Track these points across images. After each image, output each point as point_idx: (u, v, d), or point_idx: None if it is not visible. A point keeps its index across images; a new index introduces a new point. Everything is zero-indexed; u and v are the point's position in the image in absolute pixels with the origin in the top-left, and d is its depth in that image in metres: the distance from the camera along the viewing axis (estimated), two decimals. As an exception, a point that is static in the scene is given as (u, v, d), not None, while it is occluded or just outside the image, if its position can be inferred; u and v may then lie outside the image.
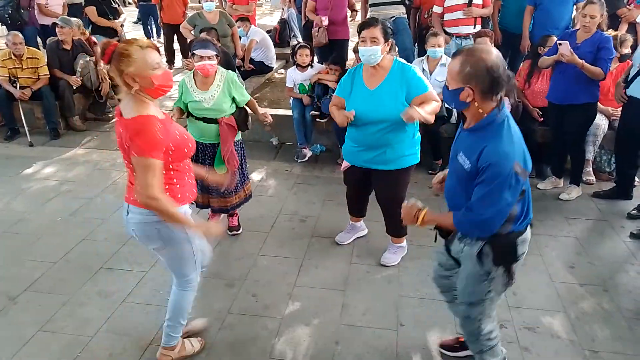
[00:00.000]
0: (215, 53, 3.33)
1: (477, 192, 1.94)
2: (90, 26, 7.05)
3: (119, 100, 2.16)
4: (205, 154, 3.54)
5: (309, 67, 5.25)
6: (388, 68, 3.04)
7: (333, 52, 5.65)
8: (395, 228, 3.45)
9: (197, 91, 3.43)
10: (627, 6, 5.73)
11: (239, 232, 3.87)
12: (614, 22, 5.50)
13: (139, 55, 2.01)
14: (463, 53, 1.92)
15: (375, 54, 2.96)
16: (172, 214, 2.13)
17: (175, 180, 2.24)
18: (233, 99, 3.49)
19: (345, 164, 3.40)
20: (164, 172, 2.14)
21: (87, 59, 6.13)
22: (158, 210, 2.10)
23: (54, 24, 6.20)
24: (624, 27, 5.62)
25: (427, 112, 2.89)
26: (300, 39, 8.02)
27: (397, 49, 5.77)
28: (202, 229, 2.29)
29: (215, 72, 3.41)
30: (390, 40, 3.02)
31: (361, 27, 3.02)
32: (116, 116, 2.18)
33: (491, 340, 2.32)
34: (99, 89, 6.26)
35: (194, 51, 3.33)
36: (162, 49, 8.43)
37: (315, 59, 6.67)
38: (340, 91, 3.22)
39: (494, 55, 1.88)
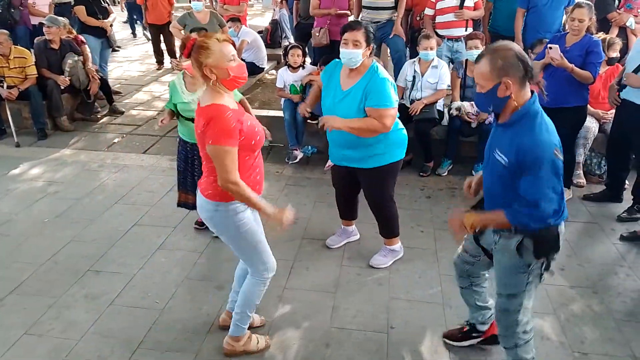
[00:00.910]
0: None
1: (525, 185, 1.98)
2: (79, 26, 6.98)
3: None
4: (195, 154, 3.51)
5: (301, 67, 5.24)
6: (364, 71, 3.03)
7: (333, 52, 5.63)
8: (385, 228, 3.45)
9: (186, 92, 3.42)
10: (617, 10, 5.76)
11: (203, 227, 3.83)
12: (604, 26, 5.53)
13: (217, 47, 2.14)
14: (487, 53, 1.99)
15: (356, 57, 2.95)
16: (250, 199, 2.22)
17: (252, 171, 2.30)
18: None
19: (329, 163, 3.41)
20: (242, 160, 2.23)
21: (76, 58, 6.07)
22: (237, 195, 2.20)
23: (41, 24, 6.14)
24: (614, 31, 5.65)
25: (351, 125, 2.91)
26: (291, 40, 8.01)
27: (389, 50, 5.81)
28: (278, 217, 2.29)
29: None
30: (372, 44, 3.00)
31: (344, 30, 3.01)
32: (197, 108, 2.29)
33: (527, 334, 2.34)
34: (88, 88, 6.19)
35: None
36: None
37: (308, 59, 6.66)
38: (322, 77, 3.27)
39: (515, 45, 2.01)
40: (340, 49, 2.99)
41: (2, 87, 5.64)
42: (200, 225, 3.86)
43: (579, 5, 3.99)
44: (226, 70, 2.15)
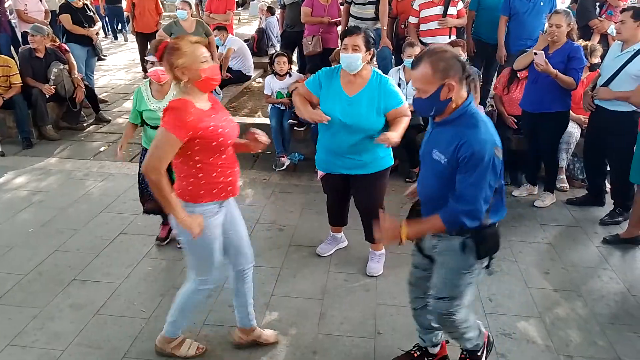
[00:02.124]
0: None
1: (462, 181, 1.99)
2: (65, 34, 6.94)
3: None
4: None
5: (287, 75, 5.26)
6: (367, 77, 3.06)
7: (323, 61, 5.66)
8: (374, 234, 3.46)
9: (152, 100, 3.37)
10: (599, 17, 5.88)
11: (164, 243, 3.79)
12: (586, 33, 5.63)
13: (189, 49, 2.17)
14: (426, 56, 1.96)
15: (356, 62, 2.97)
16: (165, 196, 2.16)
17: (200, 175, 2.27)
18: None
19: (320, 173, 3.40)
20: (190, 162, 2.24)
21: (61, 67, 6.03)
22: (153, 185, 2.14)
23: (26, 32, 6.10)
24: (596, 38, 5.76)
25: (400, 134, 2.96)
26: (277, 48, 8.04)
27: (375, 58, 5.86)
28: (186, 223, 2.23)
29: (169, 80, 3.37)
30: (372, 49, 3.04)
31: (344, 35, 3.06)
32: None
33: (468, 322, 2.33)
34: (73, 96, 6.16)
35: (146, 57, 3.31)
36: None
37: (295, 67, 6.69)
38: (312, 84, 3.18)
39: (449, 46, 2.07)
40: (340, 54, 3.03)
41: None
42: (162, 241, 3.79)
43: (555, 12, 4.11)
44: (198, 71, 2.17)
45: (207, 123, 2.21)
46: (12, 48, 7.20)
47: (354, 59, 2.96)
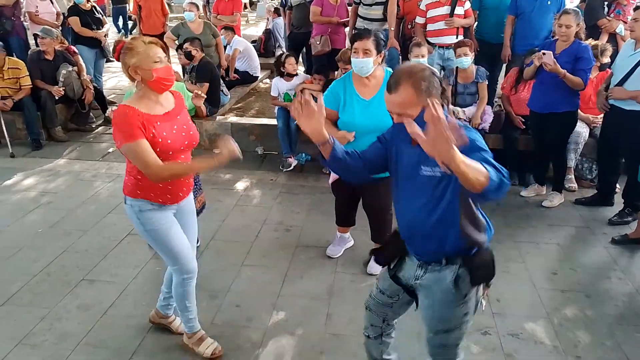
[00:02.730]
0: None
1: (481, 158, 1.69)
2: (73, 36, 6.99)
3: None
4: None
5: (295, 76, 5.28)
6: (381, 78, 3.04)
7: (330, 61, 5.66)
8: (381, 234, 3.45)
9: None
10: (607, 17, 5.83)
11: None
12: (594, 32, 5.59)
13: (142, 49, 2.19)
14: (405, 78, 1.77)
15: (367, 66, 2.96)
16: (188, 169, 2.34)
17: (139, 177, 2.31)
18: None
19: (333, 176, 3.39)
20: (131, 162, 2.26)
21: (70, 69, 6.08)
22: (175, 176, 2.29)
23: (36, 35, 6.15)
24: (604, 38, 5.72)
25: None
26: (284, 49, 8.05)
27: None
28: (224, 158, 2.30)
29: None
30: (382, 52, 3.03)
31: (354, 39, 3.04)
32: None
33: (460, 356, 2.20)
34: (82, 98, 6.20)
35: None
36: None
37: (302, 68, 6.70)
38: (330, 102, 3.10)
39: (419, 64, 1.91)
40: (352, 58, 3.01)
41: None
42: None
43: (565, 12, 4.06)
44: (150, 71, 2.18)
45: (147, 129, 2.19)
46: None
47: (365, 63, 2.95)
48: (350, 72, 3.12)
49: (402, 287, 2.12)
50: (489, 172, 1.59)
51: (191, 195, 2.59)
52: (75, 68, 6.18)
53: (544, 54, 3.97)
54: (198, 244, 3.66)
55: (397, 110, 1.81)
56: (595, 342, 2.84)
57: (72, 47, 6.53)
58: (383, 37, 3.15)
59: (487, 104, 4.91)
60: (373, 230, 3.48)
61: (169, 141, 2.25)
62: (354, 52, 2.99)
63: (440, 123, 1.45)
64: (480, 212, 1.97)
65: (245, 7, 15.74)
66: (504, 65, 5.80)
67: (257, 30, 11.42)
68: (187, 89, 5.65)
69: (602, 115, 4.47)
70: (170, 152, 2.27)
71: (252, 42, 8.92)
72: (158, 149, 2.22)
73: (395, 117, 1.83)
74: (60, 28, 7.38)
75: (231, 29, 7.30)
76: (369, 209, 3.41)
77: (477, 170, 1.56)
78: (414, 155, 1.85)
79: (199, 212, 3.68)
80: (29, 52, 6.34)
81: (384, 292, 2.19)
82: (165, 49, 2.28)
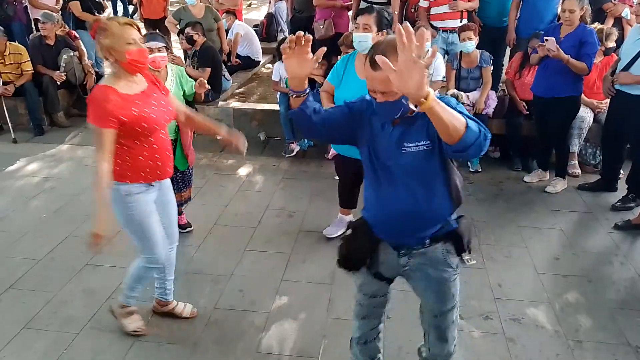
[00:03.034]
0: (164, 45, 3.27)
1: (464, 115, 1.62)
2: (74, 21, 6.95)
3: None
4: None
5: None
6: None
7: (333, 45, 5.61)
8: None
9: None
10: (613, 1, 5.76)
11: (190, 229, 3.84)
12: (600, 16, 5.53)
13: (116, 30, 2.19)
14: (390, 52, 1.54)
15: (365, 41, 2.95)
16: (99, 188, 2.19)
17: (127, 157, 2.33)
18: (183, 93, 3.47)
19: (332, 152, 3.40)
20: (117, 145, 2.27)
21: (71, 54, 6.06)
22: (97, 182, 2.21)
23: (36, 20, 6.11)
24: (609, 22, 5.65)
25: None
26: (287, 34, 7.99)
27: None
28: (99, 227, 2.20)
29: (166, 66, 3.36)
30: (384, 30, 3.01)
31: (358, 13, 3.08)
32: None
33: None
34: (84, 83, 6.19)
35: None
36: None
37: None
38: (332, 77, 3.26)
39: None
40: (353, 34, 3.04)
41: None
42: (182, 229, 3.75)
43: None
44: (123, 53, 2.19)
45: (129, 108, 2.24)
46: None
47: (364, 37, 2.95)
48: (355, 52, 3.14)
49: (386, 280, 2.06)
50: (467, 121, 1.51)
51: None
52: (77, 53, 6.15)
53: (546, 40, 3.94)
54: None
55: (382, 89, 1.65)
56: (596, 326, 2.86)
57: (73, 32, 6.48)
58: (387, 17, 3.11)
59: (492, 89, 4.88)
60: None
61: (153, 116, 2.31)
62: (355, 27, 3.04)
63: (410, 46, 1.32)
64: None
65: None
66: (508, 50, 5.75)
67: (259, 15, 11.32)
68: (189, 74, 5.67)
69: (606, 100, 4.45)
70: (156, 126, 2.33)
71: (254, 26, 8.84)
72: (145, 124, 2.27)
73: (379, 96, 1.68)
74: (61, 13, 7.33)
75: (232, 13, 7.25)
76: None
77: (452, 115, 1.48)
78: (396, 134, 1.77)
79: (179, 206, 3.65)
80: (30, 37, 6.30)
81: (375, 295, 2.08)
82: (140, 31, 2.29)
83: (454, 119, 1.48)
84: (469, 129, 1.51)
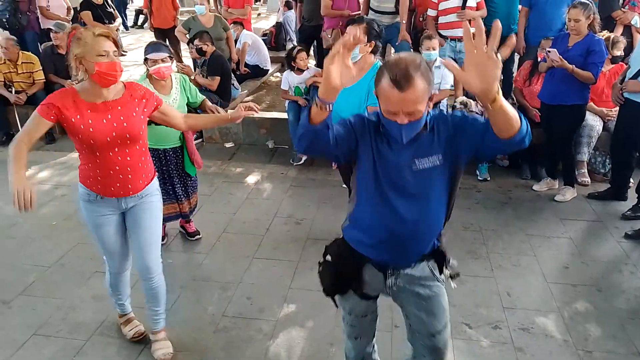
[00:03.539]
0: (168, 55, 3.30)
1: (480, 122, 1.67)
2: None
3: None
4: (169, 159, 3.47)
5: (305, 70, 5.27)
6: (368, 67, 3.03)
7: None
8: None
9: (160, 96, 3.38)
10: (622, 8, 5.76)
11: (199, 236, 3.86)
12: (609, 24, 5.52)
13: (88, 40, 2.14)
14: (414, 71, 1.55)
15: (353, 51, 2.94)
16: (10, 161, 2.12)
17: (80, 159, 2.37)
18: (187, 100, 3.50)
19: None
20: (80, 151, 2.30)
21: (83, 63, 6.13)
22: (8, 151, 2.16)
23: (49, 29, 6.21)
24: (619, 30, 5.65)
25: None
26: (295, 43, 8.04)
27: (392, 50, 5.83)
28: (13, 186, 2.04)
29: (170, 75, 3.38)
30: (373, 41, 2.99)
31: (347, 24, 3.05)
32: None
33: None
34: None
35: (147, 56, 3.28)
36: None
37: (312, 61, 6.68)
38: None
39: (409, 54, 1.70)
40: None
41: (11, 92, 5.72)
42: (191, 237, 3.85)
43: (573, 6, 4.03)
44: (92, 64, 2.14)
45: (73, 115, 2.19)
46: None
47: None
48: None
49: (373, 298, 2.01)
50: (520, 116, 1.54)
51: (151, 196, 2.49)
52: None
53: (549, 51, 3.96)
54: (164, 242, 3.68)
55: (411, 109, 1.58)
56: (606, 336, 2.83)
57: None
58: (376, 28, 3.10)
59: (505, 97, 4.88)
60: None
61: (90, 129, 2.21)
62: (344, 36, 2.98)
63: (482, 42, 1.35)
64: None
65: (257, 0, 15.73)
66: (517, 58, 5.75)
67: (268, 24, 11.41)
68: (198, 82, 5.72)
69: (616, 108, 4.43)
70: (92, 141, 2.22)
71: (263, 35, 8.92)
72: (80, 136, 2.22)
73: (403, 117, 1.59)
74: (72, 22, 7.44)
75: (240, 24, 7.31)
76: None
77: (513, 110, 1.50)
78: (406, 152, 1.71)
79: (190, 213, 3.71)
80: (42, 47, 6.39)
81: (366, 314, 2.04)
82: (117, 44, 2.23)
83: (514, 114, 1.51)
84: (522, 124, 1.54)
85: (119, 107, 2.28)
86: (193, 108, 3.56)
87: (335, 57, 1.47)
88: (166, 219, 3.50)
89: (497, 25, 1.36)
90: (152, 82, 3.36)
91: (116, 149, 2.28)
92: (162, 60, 3.25)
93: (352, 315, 2.04)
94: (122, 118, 2.27)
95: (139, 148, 2.36)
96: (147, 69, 3.35)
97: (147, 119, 2.44)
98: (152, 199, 2.50)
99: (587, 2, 3.99)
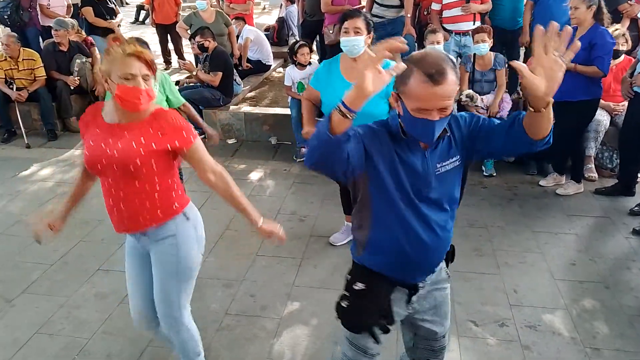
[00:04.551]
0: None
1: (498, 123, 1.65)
2: (86, 27, 7.01)
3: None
4: None
5: (308, 65, 5.24)
6: None
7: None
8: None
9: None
10: (629, 2, 5.68)
11: None
12: (615, 18, 5.45)
13: (117, 58, 1.91)
14: (447, 65, 1.51)
15: (358, 45, 2.89)
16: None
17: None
18: (167, 100, 3.45)
19: None
20: None
21: (84, 60, 6.11)
22: None
23: (50, 27, 6.18)
24: (625, 23, 5.57)
25: None
26: (298, 37, 8.00)
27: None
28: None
29: None
30: (372, 33, 2.95)
31: (343, 18, 2.96)
32: None
33: None
34: (94, 89, 6.23)
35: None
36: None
37: (315, 57, 6.64)
38: (315, 82, 3.17)
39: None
40: (341, 39, 2.93)
41: (12, 89, 5.70)
42: None
43: None
44: (114, 85, 1.91)
45: (85, 132, 2.08)
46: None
47: (357, 41, 2.88)
48: (339, 55, 3.06)
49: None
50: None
51: (164, 244, 2.12)
52: (90, 59, 6.20)
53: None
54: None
55: (445, 104, 1.50)
56: (614, 333, 2.79)
57: (90, 38, 6.55)
58: (371, 20, 3.05)
59: (507, 91, 4.83)
60: None
61: (86, 152, 2.03)
62: (344, 31, 2.91)
63: (551, 45, 1.37)
64: None
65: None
66: (522, 52, 5.70)
67: (271, 19, 11.35)
68: (200, 78, 5.70)
69: (624, 103, 4.38)
70: (86, 164, 2.08)
71: (265, 30, 8.87)
72: (82, 159, 2.12)
73: (435, 113, 1.51)
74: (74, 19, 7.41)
75: (242, 19, 7.27)
76: None
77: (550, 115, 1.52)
78: (430, 156, 1.64)
79: None
80: (44, 44, 6.36)
81: (378, 354, 1.91)
82: (150, 66, 1.95)
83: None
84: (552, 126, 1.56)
85: (125, 132, 1.98)
86: (177, 109, 3.52)
87: (372, 62, 1.34)
88: None
89: (568, 30, 1.35)
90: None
91: (110, 180, 2.02)
92: None
93: (354, 350, 1.88)
94: (119, 145, 1.96)
95: (139, 186, 2.00)
96: None
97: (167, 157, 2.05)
98: (165, 247, 2.11)
99: None
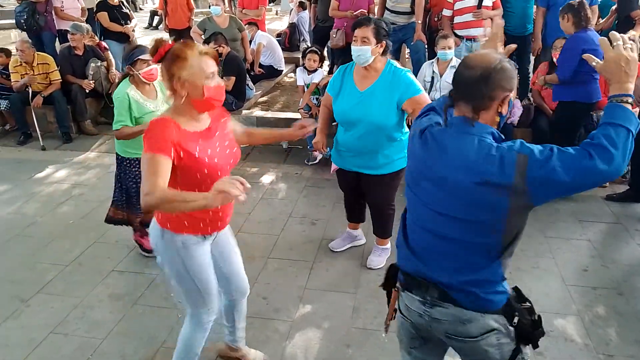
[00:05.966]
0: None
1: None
2: (101, 31, 7.10)
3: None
4: (126, 170, 3.45)
5: (315, 70, 5.31)
6: (380, 70, 3.00)
7: (349, 54, 5.65)
8: (382, 229, 3.46)
9: (149, 101, 3.25)
10: (641, 8, 5.67)
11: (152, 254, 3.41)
12: (628, 24, 5.44)
13: (195, 60, 1.84)
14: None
15: (364, 54, 2.91)
16: (177, 200, 1.71)
17: None
18: None
19: (334, 167, 3.40)
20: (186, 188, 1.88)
21: (99, 63, 6.19)
22: (160, 206, 1.73)
23: (67, 30, 6.27)
24: (638, 29, 5.56)
25: None
26: (309, 43, 8.05)
27: (407, 50, 5.81)
28: (220, 196, 1.62)
29: None
30: (383, 41, 2.95)
31: (354, 26, 2.99)
32: None
33: None
34: (110, 93, 6.30)
35: (139, 57, 3.14)
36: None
37: (326, 63, 6.67)
38: (330, 89, 3.21)
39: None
40: (352, 46, 2.97)
41: (28, 93, 5.78)
42: (147, 253, 3.52)
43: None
44: (201, 88, 1.85)
45: (192, 147, 1.89)
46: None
47: (363, 51, 2.91)
48: (353, 62, 3.09)
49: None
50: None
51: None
52: (104, 63, 6.28)
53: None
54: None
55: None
56: (628, 340, 2.78)
57: (103, 42, 6.64)
58: (385, 27, 3.06)
59: (518, 97, 4.84)
60: (375, 224, 3.50)
61: (215, 160, 1.95)
62: (354, 40, 2.95)
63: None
64: None
65: (272, 1, 15.76)
66: (533, 59, 5.70)
67: (282, 24, 11.43)
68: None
69: (636, 109, 4.35)
70: (219, 173, 1.95)
71: (277, 36, 8.93)
72: (205, 170, 1.91)
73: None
74: (88, 24, 7.50)
75: (254, 24, 7.33)
76: (370, 202, 3.43)
77: None
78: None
79: (144, 226, 3.49)
80: (60, 48, 6.45)
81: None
82: (218, 62, 1.94)
83: None
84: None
85: (217, 133, 2.02)
86: None
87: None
88: (111, 220, 3.54)
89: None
90: (139, 87, 3.24)
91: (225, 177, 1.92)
92: (151, 62, 3.03)
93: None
94: (226, 143, 2.03)
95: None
96: (132, 73, 3.20)
97: None
98: (226, 229, 2.31)
99: (573, 3, 4.07)
